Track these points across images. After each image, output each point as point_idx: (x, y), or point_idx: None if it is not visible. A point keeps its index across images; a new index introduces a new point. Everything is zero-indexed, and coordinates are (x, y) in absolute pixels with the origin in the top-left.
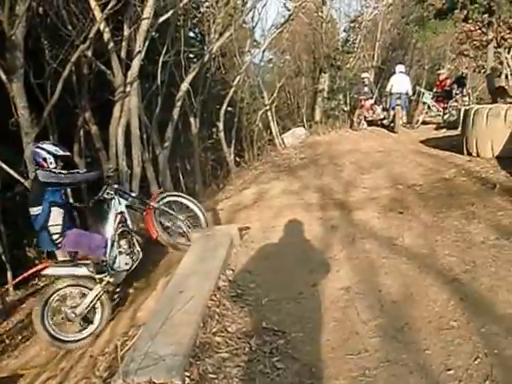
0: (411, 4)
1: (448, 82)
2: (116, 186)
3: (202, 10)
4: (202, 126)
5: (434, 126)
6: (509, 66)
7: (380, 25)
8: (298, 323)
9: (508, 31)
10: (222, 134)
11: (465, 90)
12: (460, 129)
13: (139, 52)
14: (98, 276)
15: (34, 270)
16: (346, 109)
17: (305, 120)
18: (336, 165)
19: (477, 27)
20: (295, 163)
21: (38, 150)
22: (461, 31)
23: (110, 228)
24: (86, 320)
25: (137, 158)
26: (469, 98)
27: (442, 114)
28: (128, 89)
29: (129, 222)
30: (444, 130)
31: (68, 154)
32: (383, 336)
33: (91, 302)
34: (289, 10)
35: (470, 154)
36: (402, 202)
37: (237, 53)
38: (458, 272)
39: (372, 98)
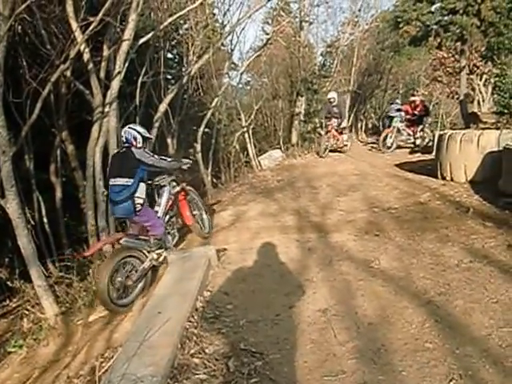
0: (386, 30)
1: (420, 107)
2: (173, 177)
3: (180, 31)
4: (179, 147)
5: (408, 150)
6: (481, 93)
7: (356, 50)
8: (275, 345)
9: (480, 59)
10: (199, 155)
11: (429, 119)
12: (434, 153)
13: (119, 73)
14: (157, 251)
15: (117, 237)
16: (322, 132)
17: (281, 143)
18: (312, 187)
19: (450, 54)
20: (272, 185)
21: (130, 129)
22: (434, 58)
23: (163, 209)
24: (131, 288)
25: None
26: (437, 125)
27: (412, 138)
28: (107, 109)
29: (175, 208)
30: (418, 154)
31: (152, 137)
32: (360, 358)
33: (144, 272)
34: (267, 34)
35: (444, 178)
36: (377, 225)
37: (214, 75)
38: (433, 294)
39: (342, 119)
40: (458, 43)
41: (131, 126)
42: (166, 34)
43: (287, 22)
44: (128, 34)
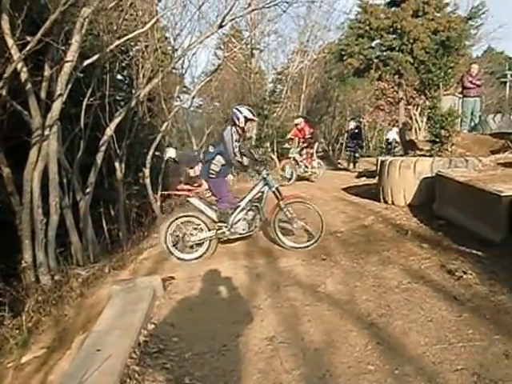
0: (333, 61)
1: (307, 129)
2: (266, 175)
3: (131, 53)
4: (128, 171)
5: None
6: (417, 122)
7: (305, 78)
8: (222, 377)
9: (414, 92)
10: (148, 180)
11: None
12: (377, 178)
13: (61, 95)
14: (219, 224)
15: (186, 193)
16: (273, 156)
17: None
18: None
19: (390, 86)
20: None
21: (235, 110)
22: (377, 88)
23: (249, 197)
24: (194, 247)
25: (54, 204)
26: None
27: (309, 170)
28: (47, 132)
29: (263, 201)
30: (364, 178)
31: (255, 119)
32: None
33: (205, 238)
34: (219, 59)
35: (386, 201)
36: (324, 249)
37: (162, 99)
38: (375, 316)
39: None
40: (396, 76)
41: (237, 107)
42: (115, 55)
43: (238, 49)
44: (71, 55)
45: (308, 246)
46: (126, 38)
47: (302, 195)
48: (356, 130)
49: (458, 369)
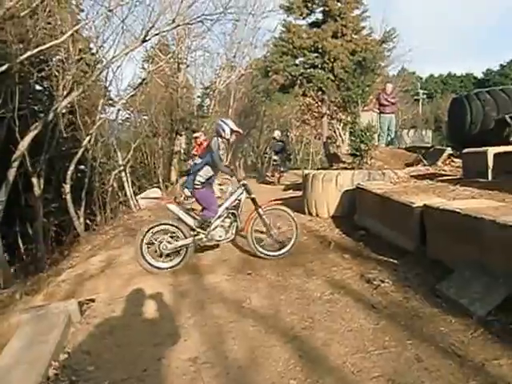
0: (259, 77)
1: (207, 144)
2: (245, 182)
3: (51, 63)
4: (48, 187)
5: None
6: (340, 136)
7: (232, 93)
8: None
9: (336, 108)
10: (68, 196)
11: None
12: (302, 191)
13: None
14: (198, 230)
15: (167, 201)
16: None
17: (161, 180)
18: None
19: (314, 101)
20: None
21: (221, 122)
22: (302, 103)
23: (226, 205)
24: (171, 256)
25: None
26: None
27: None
28: None
29: (240, 209)
30: (291, 190)
31: (240, 131)
32: None
33: (182, 245)
34: (148, 72)
35: (310, 214)
36: (250, 263)
37: (85, 112)
38: (298, 329)
39: None
40: (320, 93)
41: (223, 119)
42: (31, 64)
43: (165, 63)
44: None
45: (282, 254)
46: (39, 48)
47: (279, 202)
48: (280, 143)
49: (374, 376)
